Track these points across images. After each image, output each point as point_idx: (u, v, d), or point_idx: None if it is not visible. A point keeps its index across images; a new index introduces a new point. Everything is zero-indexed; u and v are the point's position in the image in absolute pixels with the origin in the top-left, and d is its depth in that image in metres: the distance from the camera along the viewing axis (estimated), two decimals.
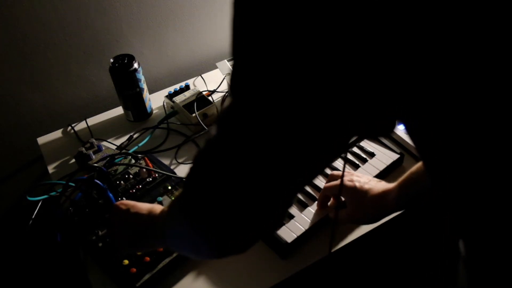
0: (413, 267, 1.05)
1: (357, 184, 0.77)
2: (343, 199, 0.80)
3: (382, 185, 0.77)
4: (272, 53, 0.36)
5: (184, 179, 0.47)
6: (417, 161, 0.95)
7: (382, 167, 0.92)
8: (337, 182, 0.80)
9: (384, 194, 0.75)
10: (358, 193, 0.76)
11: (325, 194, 0.83)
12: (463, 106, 0.35)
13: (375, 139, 0.96)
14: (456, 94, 0.34)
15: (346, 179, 0.79)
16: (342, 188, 0.78)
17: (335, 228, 0.74)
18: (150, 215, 0.64)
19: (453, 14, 0.31)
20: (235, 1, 0.37)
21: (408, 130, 0.43)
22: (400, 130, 0.98)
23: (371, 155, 0.95)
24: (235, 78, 0.40)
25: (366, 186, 0.77)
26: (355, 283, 1.01)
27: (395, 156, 0.94)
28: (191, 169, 0.47)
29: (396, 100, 0.37)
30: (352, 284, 1.01)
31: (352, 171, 0.88)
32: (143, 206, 0.67)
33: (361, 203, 0.76)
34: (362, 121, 0.39)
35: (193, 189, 0.46)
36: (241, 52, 0.39)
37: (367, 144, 0.97)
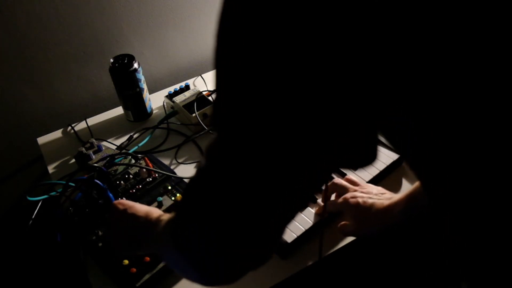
0: (413, 267, 1.05)
1: (360, 200, 0.77)
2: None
3: (386, 198, 0.77)
4: (253, 84, 0.35)
5: (175, 208, 0.48)
6: None
7: (382, 167, 0.92)
8: (340, 200, 0.80)
9: (390, 207, 0.75)
10: (362, 209, 0.76)
11: (328, 209, 0.82)
12: (462, 107, 0.34)
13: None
14: (455, 95, 0.34)
15: (349, 195, 0.79)
16: (346, 205, 0.78)
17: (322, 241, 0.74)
18: (147, 218, 0.63)
19: (452, 14, 0.31)
20: (217, 34, 0.37)
21: (399, 145, 0.44)
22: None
23: None
24: (217, 111, 0.40)
25: (370, 201, 0.76)
26: (355, 283, 1.01)
27: (395, 156, 0.94)
28: (183, 198, 0.47)
29: (395, 101, 0.37)
30: (352, 284, 1.01)
31: (359, 183, 0.85)
32: (141, 208, 0.66)
33: (365, 219, 0.76)
34: (352, 139, 0.39)
35: (183, 219, 0.46)
36: (223, 85, 0.39)
37: None
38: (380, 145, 0.96)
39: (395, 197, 0.76)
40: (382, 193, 0.80)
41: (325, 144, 0.39)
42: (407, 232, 1.01)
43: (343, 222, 0.81)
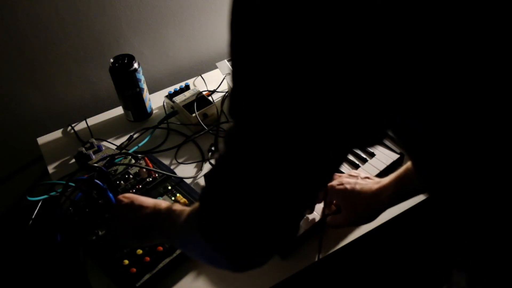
0: (413, 267, 1.05)
1: (348, 187, 0.76)
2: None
3: (374, 183, 0.76)
4: (269, 73, 0.36)
5: (198, 198, 0.49)
6: None
7: (382, 167, 0.92)
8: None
9: (378, 192, 0.74)
10: (350, 196, 0.75)
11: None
12: (462, 108, 0.35)
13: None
14: (455, 96, 0.34)
15: (335, 183, 0.78)
16: (334, 193, 0.77)
17: (322, 236, 0.74)
18: (156, 208, 0.64)
19: (452, 16, 0.31)
20: (231, 25, 0.38)
21: (401, 137, 0.44)
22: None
23: (371, 155, 0.95)
24: (235, 100, 0.41)
25: (358, 187, 0.76)
26: (355, 283, 1.01)
27: (395, 156, 0.94)
28: (205, 188, 0.48)
29: (398, 103, 0.37)
30: (352, 284, 1.01)
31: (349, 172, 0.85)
32: (147, 200, 0.67)
33: (355, 205, 0.75)
34: (363, 128, 0.40)
35: (208, 209, 0.47)
36: (239, 77, 0.40)
37: None
38: (380, 146, 0.96)
39: (383, 181, 0.75)
40: (368, 178, 0.78)
41: (326, 155, 0.40)
42: (406, 232, 1.01)
43: (330, 215, 0.80)
